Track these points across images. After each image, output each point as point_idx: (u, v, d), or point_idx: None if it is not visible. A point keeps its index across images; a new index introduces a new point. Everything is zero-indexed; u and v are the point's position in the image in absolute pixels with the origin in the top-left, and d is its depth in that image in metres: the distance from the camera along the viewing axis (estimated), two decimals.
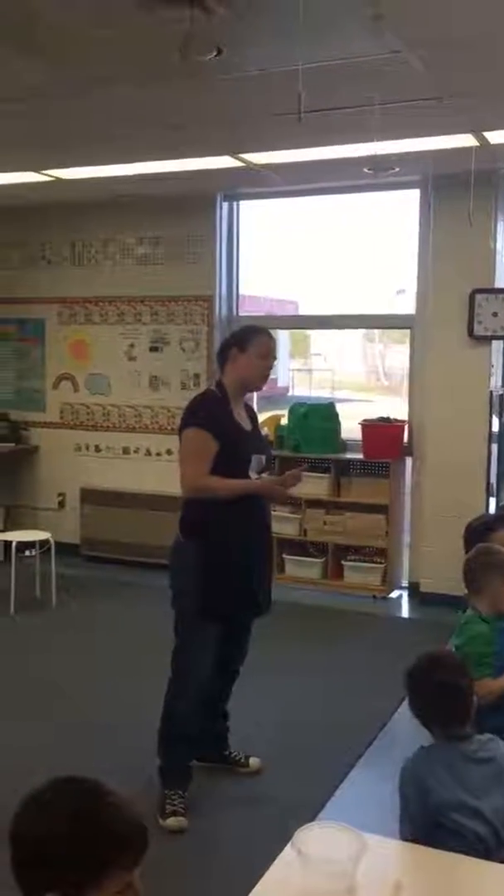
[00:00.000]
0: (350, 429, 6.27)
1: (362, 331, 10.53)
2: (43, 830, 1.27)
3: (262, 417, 5.31)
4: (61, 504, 7.05)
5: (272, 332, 3.37)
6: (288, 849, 1.74)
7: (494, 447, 5.79)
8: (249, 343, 3.18)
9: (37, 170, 5.45)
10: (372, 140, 3.83)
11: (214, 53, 3.10)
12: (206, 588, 3.09)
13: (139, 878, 1.32)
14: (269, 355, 3.25)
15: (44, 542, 5.67)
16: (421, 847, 1.96)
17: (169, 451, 6.46)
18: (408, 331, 6.19)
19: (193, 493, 3.12)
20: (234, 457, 3.11)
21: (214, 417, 3.12)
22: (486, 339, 5.63)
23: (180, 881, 2.83)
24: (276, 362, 3.39)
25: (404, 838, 2.06)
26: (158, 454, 6.70)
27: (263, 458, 3.30)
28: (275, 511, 4.47)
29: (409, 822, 2.10)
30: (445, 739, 2.18)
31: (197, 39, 2.78)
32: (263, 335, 3.25)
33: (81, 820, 1.28)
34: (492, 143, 4.53)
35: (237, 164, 5.11)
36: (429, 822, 2.08)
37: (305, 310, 7.91)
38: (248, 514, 3.15)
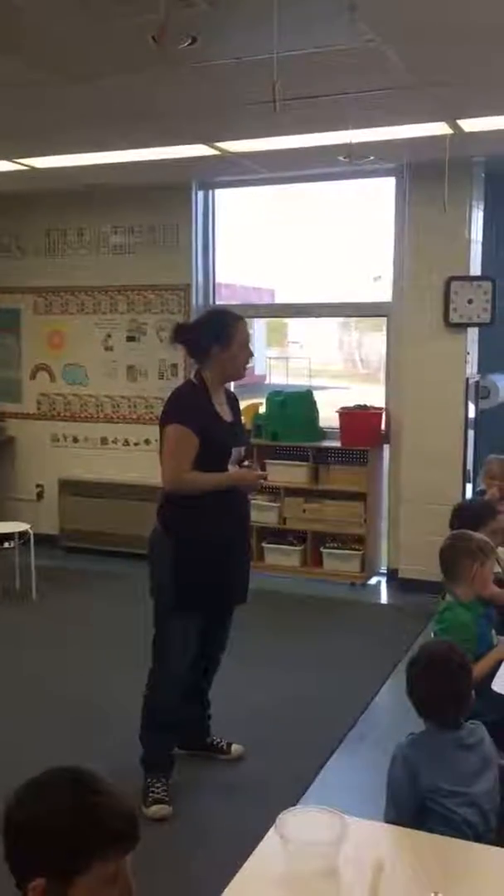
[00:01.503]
0: (328, 417, 6.29)
1: (339, 319, 10.53)
2: (39, 817, 1.29)
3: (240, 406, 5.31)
4: (40, 495, 7.03)
5: (249, 320, 3.35)
6: (271, 833, 1.76)
7: (471, 434, 5.84)
8: (231, 337, 3.15)
9: (10, 158, 5.40)
10: (347, 129, 3.83)
11: (189, 42, 3.08)
12: (183, 579, 3.11)
13: (130, 869, 1.34)
14: (248, 342, 3.25)
15: (23, 534, 5.65)
16: (402, 829, 1.99)
17: (147, 441, 6.45)
18: (384, 319, 6.22)
19: (175, 489, 3.12)
20: (215, 451, 3.12)
21: (196, 413, 3.11)
22: (462, 327, 5.67)
23: (164, 868, 2.85)
24: (252, 350, 3.38)
25: (388, 822, 2.09)
26: (137, 444, 6.69)
27: (242, 449, 3.31)
28: (254, 500, 4.48)
29: (395, 806, 2.13)
30: (438, 728, 2.21)
31: (171, 28, 2.76)
32: (241, 324, 3.23)
33: (77, 809, 1.30)
34: (466, 130, 4.55)
35: (212, 152, 5.09)
36: (417, 808, 2.11)
37: (282, 298, 7.90)
38: (226, 505, 3.16)
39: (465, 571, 3.01)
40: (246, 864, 1.76)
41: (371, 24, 3.05)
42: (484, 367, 5.95)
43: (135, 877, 1.37)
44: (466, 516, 3.74)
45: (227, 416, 3.26)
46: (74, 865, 1.27)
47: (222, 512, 3.15)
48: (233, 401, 3.35)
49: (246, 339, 3.23)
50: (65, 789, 1.32)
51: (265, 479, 3.74)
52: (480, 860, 1.88)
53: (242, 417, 3.51)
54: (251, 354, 3.27)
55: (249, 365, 3.34)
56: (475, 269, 5.72)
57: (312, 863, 1.70)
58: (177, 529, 3.15)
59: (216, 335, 3.16)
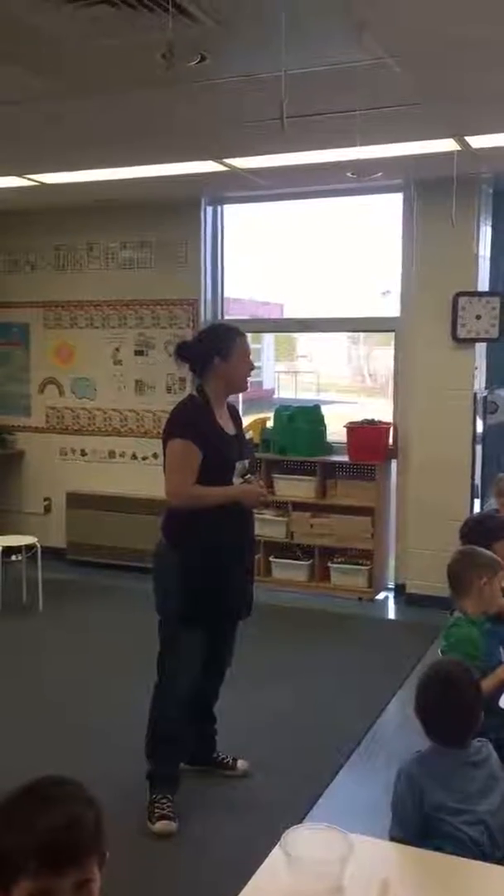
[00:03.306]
0: (336, 431, 6.29)
1: (347, 333, 10.56)
2: None
3: (247, 420, 5.33)
4: (47, 509, 7.04)
5: (258, 335, 3.38)
6: (276, 850, 1.75)
7: (479, 449, 5.83)
8: (231, 350, 3.17)
9: (21, 174, 5.45)
10: (355, 145, 3.85)
11: (198, 60, 3.12)
12: (188, 593, 3.10)
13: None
14: (249, 354, 3.28)
15: (30, 547, 5.66)
16: (409, 847, 1.97)
17: (155, 455, 6.46)
18: (392, 333, 6.23)
19: (179, 503, 3.13)
20: (218, 465, 3.13)
21: (198, 427, 3.12)
22: (470, 342, 5.68)
23: (169, 885, 2.84)
24: (261, 364, 3.41)
25: (393, 839, 2.07)
26: (144, 458, 6.70)
27: (247, 462, 3.31)
28: (261, 514, 4.48)
29: (401, 824, 2.12)
30: (444, 745, 2.19)
31: (180, 46, 2.79)
32: (241, 337, 3.25)
33: (9, 818, 1.26)
34: (473, 147, 4.57)
35: (221, 168, 5.13)
36: (423, 826, 2.09)
37: (290, 312, 7.93)
38: (230, 519, 3.16)
39: (472, 587, 2.99)
40: (250, 882, 1.75)
41: (379, 42, 3.08)
42: (492, 382, 5.95)
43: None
44: (478, 532, 3.71)
45: (229, 429, 3.26)
46: (3, 874, 1.22)
47: (226, 525, 3.15)
48: (234, 414, 3.36)
49: (246, 351, 3.26)
50: (12, 796, 1.29)
51: (271, 495, 3.74)
52: (486, 879, 1.86)
53: (250, 431, 3.52)
54: (252, 367, 3.29)
55: (251, 378, 3.35)
56: (483, 284, 5.73)
57: (317, 881, 1.68)
58: (181, 543, 3.15)
59: (217, 348, 3.18)
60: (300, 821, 2.73)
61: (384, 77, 3.41)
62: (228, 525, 3.16)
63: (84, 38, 3.06)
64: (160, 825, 3.11)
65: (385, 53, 3.19)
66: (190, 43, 2.95)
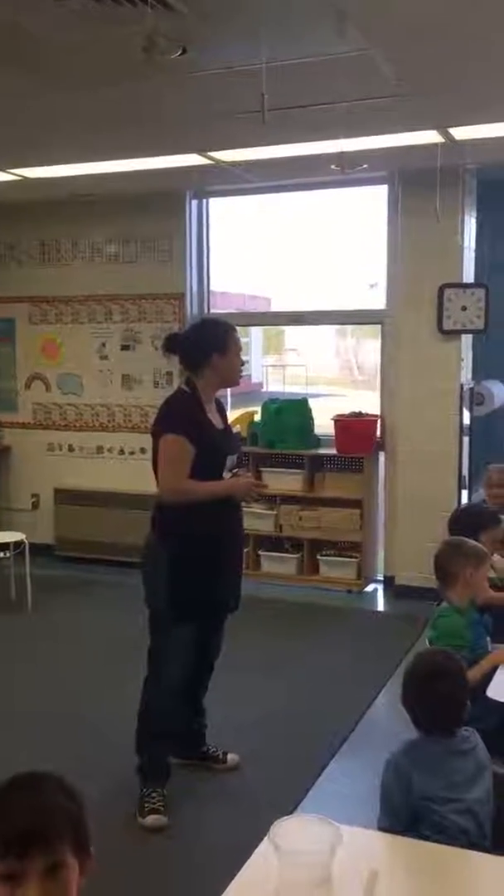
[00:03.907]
0: (324, 424, 6.29)
1: (335, 326, 10.56)
2: None
3: (235, 414, 5.33)
4: (35, 505, 7.02)
5: (245, 328, 3.39)
6: (265, 842, 1.76)
7: (466, 440, 5.85)
8: (229, 346, 3.18)
9: (2, 168, 5.41)
10: (338, 137, 3.85)
11: (179, 52, 3.10)
12: (177, 587, 3.10)
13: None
14: (241, 350, 3.29)
15: (18, 544, 5.64)
16: (397, 837, 1.99)
17: (142, 450, 6.45)
18: (379, 326, 6.23)
19: (172, 498, 3.12)
20: (210, 460, 3.13)
21: (190, 421, 3.12)
22: (456, 333, 5.69)
23: (159, 878, 2.85)
24: (248, 358, 3.43)
25: (382, 829, 2.08)
26: (132, 453, 6.69)
27: (235, 456, 3.32)
28: (249, 508, 4.48)
29: (389, 814, 2.13)
30: (431, 735, 2.20)
31: (161, 38, 2.78)
32: (236, 333, 3.27)
33: None
34: (457, 138, 4.57)
35: (205, 161, 5.11)
36: (411, 815, 2.10)
37: (278, 306, 7.93)
38: (220, 513, 3.16)
39: (459, 577, 3.01)
40: (240, 873, 1.76)
41: (361, 33, 3.07)
42: (478, 374, 5.96)
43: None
44: (465, 522, 3.73)
45: (218, 423, 3.27)
46: None
47: (216, 519, 3.15)
48: (220, 408, 3.36)
49: (240, 346, 3.28)
50: None
51: (264, 487, 3.75)
52: (474, 868, 1.88)
53: (238, 425, 3.53)
54: (244, 362, 3.31)
55: (245, 374, 3.37)
56: (468, 276, 5.74)
57: (306, 871, 1.69)
58: (172, 538, 3.15)
59: (214, 343, 3.18)
60: (290, 812, 2.74)
61: (367, 69, 3.40)
62: (218, 519, 3.16)
63: (65, 31, 3.04)
64: (150, 819, 3.12)
65: (368, 45, 3.18)
66: (171, 35, 2.93)
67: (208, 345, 3.18)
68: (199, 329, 3.42)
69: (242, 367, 3.33)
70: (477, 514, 3.93)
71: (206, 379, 3.20)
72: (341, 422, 6.08)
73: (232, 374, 3.25)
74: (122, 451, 6.77)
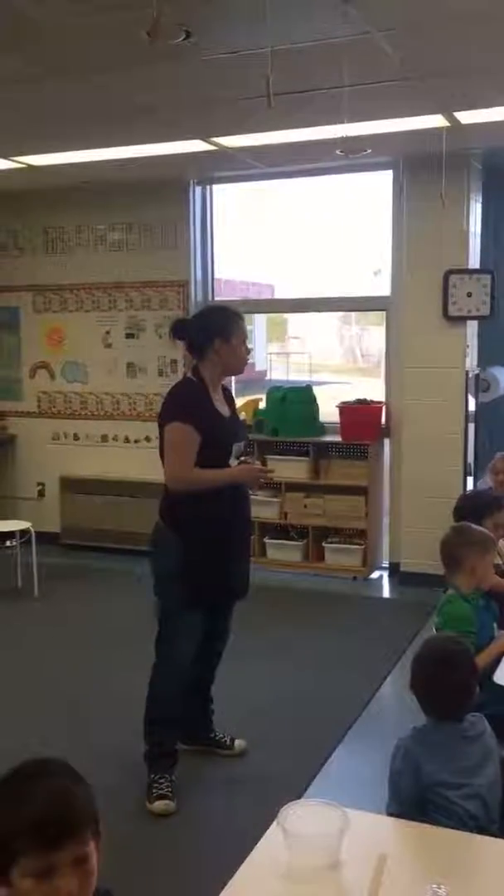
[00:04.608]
0: (328, 412, 6.29)
1: (339, 313, 10.52)
2: None
3: (240, 402, 5.32)
4: (41, 493, 7.03)
5: (249, 316, 3.38)
6: (273, 826, 1.77)
7: (471, 427, 5.84)
8: (232, 333, 3.17)
9: (7, 156, 5.39)
10: (343, 122, 3.82)
11: (183, 37, 3.08)
12: (186, 574, 3.11)
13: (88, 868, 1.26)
14: (247, 338, 3.28)
15: (24, 532, 5.66)
16: (405, 821, 1.99)
17: (147, 438, 6.45)
18: (383, 313, 6.21)
19: (179, 486, 3.12)
20: (216, 447, 3.13)
21: (196, 409, 3.12)
22: (461, 320, 5.66)
23: (168, 863, 2.86)
24: (253, 346, 3.41)
25: (390, 815, 2.09)
26: (137, 441, 6.69)
27: (242, 444, 3.32)
28: (255, 496, 4.48)
29: (397, 799, 2.13)
30: (440, 720, 2.21)
31: (165, 23, 2.75)
32: (242, 321, 3.26)
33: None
34: (463, 123, 4.54)
35: (209, 147, 5.08)
36: (419, 800, 2.11)
37: (282, 293, 7.89)
38: (227, 500, 3.16)
39: (465, 563, 3.01)
40: (249, 858, 1.77)
41: (366, 16, 3.04)
42: (484, 360, 5.94)
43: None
44: (470, 507, 3.74)
45: (224, 411, 3.26)
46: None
47: (224, 506, 3.16)
48: (228, 396, 3.36)
49: (245, 333, 3.27)
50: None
51: (270, 473, 3.75)
52: (483, 852, 1.88)
53: (242, 413, 3.52)
54: (249, 350, 3.30)
55: (249, 361, 3.36)
56: (474, 261, 5.71)
57: (315, 856, 1.70)
58: (180, 525, 3.15)
59: (218, 329, 3.17)
60: (298, 797, 2.75)
61: (372, 52, 3.38)
62: (226, 506, 3.17)
63: (67, 16, 3.02)
64: (158, 805, 3.14)
65: (372, 28, 3.15)
66: (175, 19, 2.91)
67: (212, 331, 3.18)
68: (203, 315, 3.41)
69: (248, 355, 3.32)
70: (480, 499, 3.93)
71: (211, 366, 3.20)
72: (346, 409, 6.07)
73: (236, 361, 3.23)
74: (127, 440, 6.77)
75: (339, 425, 6.09)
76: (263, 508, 6.03)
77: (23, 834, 1.23)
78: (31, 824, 1.23)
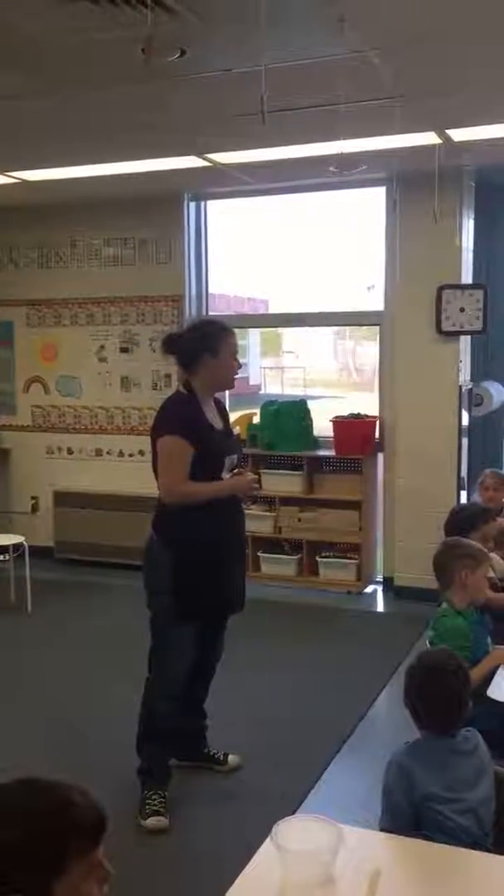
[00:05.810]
0: (322, 426, 6.30)
1: (334, 328, 10.57)
2: None
3: (234, 416, 5.33)
4: (34, 507, 7.02)
5: (243, 331, 3.38)
6: (267, 842, 1.76)
7: (465, 441, 5.86)
8: (220, 348, 3.16)
9: (2, 172, 5.41)
10: (337, 139, 3.85)
11: (178, 54, 3.11)
12: (180, 588, 3.10)
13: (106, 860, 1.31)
14: (237, 352, 3.28)
15: (17, 546, 5.64)
16: (399, 837, 1.98)
17: (142, 452, 6.45)
18: (377, 327, 6.24)
19: (173, 500, 3.12)
20: (209, 461, 3.13)
21: (189, 423, 3.12)
22: (454, 335, 5.69)
23: (162, 880, 2.84)
24: (247, 360, 3.42)
25: (384, 830, 2.08)
26: (131, 455, 6.69)
27: (235, 457, 3.32)
28: (249, 510, 4.49)
29: (391, 814, 2.13)
30: (433, 735, 2.20)
31: (160, 40, 2.78)
32: (231, 335, 3.24)
33: (31, 817, 1.26)
34: (455, 140, 4.58)
35: (203, 163, 5.12)
36: (413, 816, 2.10)
37: (276, 308, 7.94)
38: (221, 513, 3.16)
39: (457, 578, 3.01)
40: (242, 874, 1.76)
41: (360, 35, 3.08)
42: (476, 375, 5.97)
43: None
44: (460, 520, 3.76)
45: (217, 424, 3.27)
46: (46, 872, 1.23)
47: (218, 520, 3.15)
48: (221, 409, 3.36)
49: (235, 348, 3.25)
50: (18, 798, 1.29)
51: (258, 483, 3.75)
52: (477, 867, 1.88)
53: (236, 427, 3.52)
54: (240, 364, 3.30)
55: (238, 375, 3.36)
56: (466, 277, 5.75)
57: (309, 872, 1.69)
58: (173, 539, 3.15)
59: (206, 344, 3.17)
60: (292, 813, 2.74)
61: (366, 71, 3.41)
62: (220, 520, 3.17)
63: (64, 34, 3.04)
64: (151, 821, 3.12)
65: (366, 47, 3.19)
66: (170, 37, 2.94)
67: (200, 345, 3.17)
68: (192, 329, 3.40)
69: (237, 370, 3.32)
70: (466, 513, 3.96)
71: (201, 380, 3.20)
72: (340, 423, 6.08)
73: (224, 376, 3.23)
74: (121, 454, 6.77)
75: (332, 439, 6.10)
76: (257, 522, 6.03)
77: (82, 834, 1.26)
78: (86, 822, 1.27)
